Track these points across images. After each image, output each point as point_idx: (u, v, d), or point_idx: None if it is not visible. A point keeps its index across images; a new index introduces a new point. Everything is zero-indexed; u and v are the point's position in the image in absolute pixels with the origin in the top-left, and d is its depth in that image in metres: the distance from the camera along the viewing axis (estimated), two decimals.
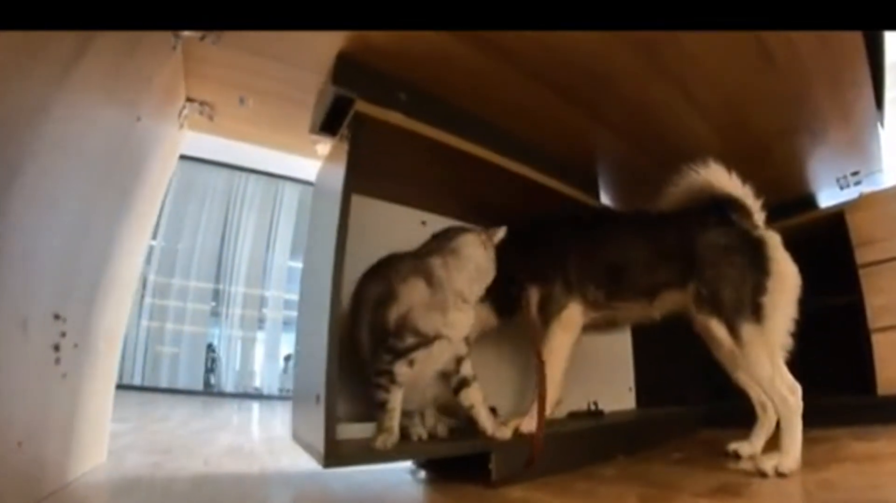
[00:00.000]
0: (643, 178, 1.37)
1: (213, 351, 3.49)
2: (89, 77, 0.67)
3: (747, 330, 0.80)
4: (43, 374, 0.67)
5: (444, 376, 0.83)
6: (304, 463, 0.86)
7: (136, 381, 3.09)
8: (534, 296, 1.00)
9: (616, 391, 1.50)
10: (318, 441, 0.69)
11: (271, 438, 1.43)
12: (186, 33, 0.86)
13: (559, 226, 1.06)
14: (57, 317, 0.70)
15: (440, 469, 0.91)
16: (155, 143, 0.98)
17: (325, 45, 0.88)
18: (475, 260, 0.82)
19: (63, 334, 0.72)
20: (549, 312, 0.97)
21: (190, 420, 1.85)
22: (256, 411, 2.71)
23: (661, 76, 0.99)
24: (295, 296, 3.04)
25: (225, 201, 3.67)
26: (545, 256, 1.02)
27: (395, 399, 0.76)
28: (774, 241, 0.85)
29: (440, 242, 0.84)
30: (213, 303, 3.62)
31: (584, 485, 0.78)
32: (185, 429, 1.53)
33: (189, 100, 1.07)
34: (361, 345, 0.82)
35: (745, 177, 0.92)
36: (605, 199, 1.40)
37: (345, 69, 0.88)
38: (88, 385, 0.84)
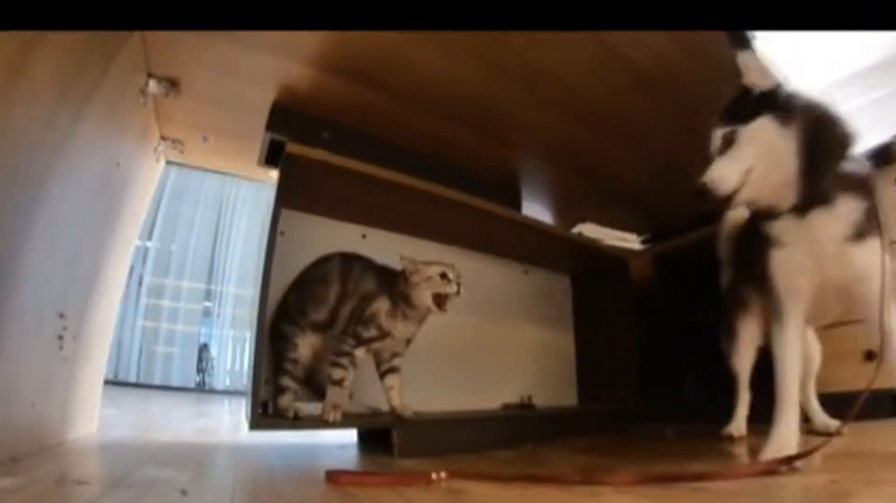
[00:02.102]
0: (568, 193, 1.63)
1: (206, 349, 3.90)
2: (83, 134, 0.98)
3: None
4: (50, 357, 1.00)
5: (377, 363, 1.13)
6: (257, 438, 1.17)
7: (132, 379, 3.53)
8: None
9: (558, 387, 1.76)
10: (248, 411, 0.99)
11: (238, 424, 1.76)
12: (152, 90, 1.17)
13: None
14: (61, 315, 1.03)
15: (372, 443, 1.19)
16: (133, 177, 1.32)
17: (261, 95, 1.20)
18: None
19: (65, 328, 1.05)
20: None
21: (172, 410, 2.22)
22: (245, 407, 3.08)
23: (543, 104, 1.25)
24: None
25: (217, 205, 4.08)
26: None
27: (350, 377, 1.04)
28: None
29: (404, 294, 1.08)
30: (206, 303, 4.04)
31: (473, 459, 1.03)
32: (165, 416, 1.89)
33: (163, 138, 1.40)
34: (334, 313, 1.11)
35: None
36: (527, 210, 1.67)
37: (277, 117, 1.19)
38: (82, 368, 1.18)
